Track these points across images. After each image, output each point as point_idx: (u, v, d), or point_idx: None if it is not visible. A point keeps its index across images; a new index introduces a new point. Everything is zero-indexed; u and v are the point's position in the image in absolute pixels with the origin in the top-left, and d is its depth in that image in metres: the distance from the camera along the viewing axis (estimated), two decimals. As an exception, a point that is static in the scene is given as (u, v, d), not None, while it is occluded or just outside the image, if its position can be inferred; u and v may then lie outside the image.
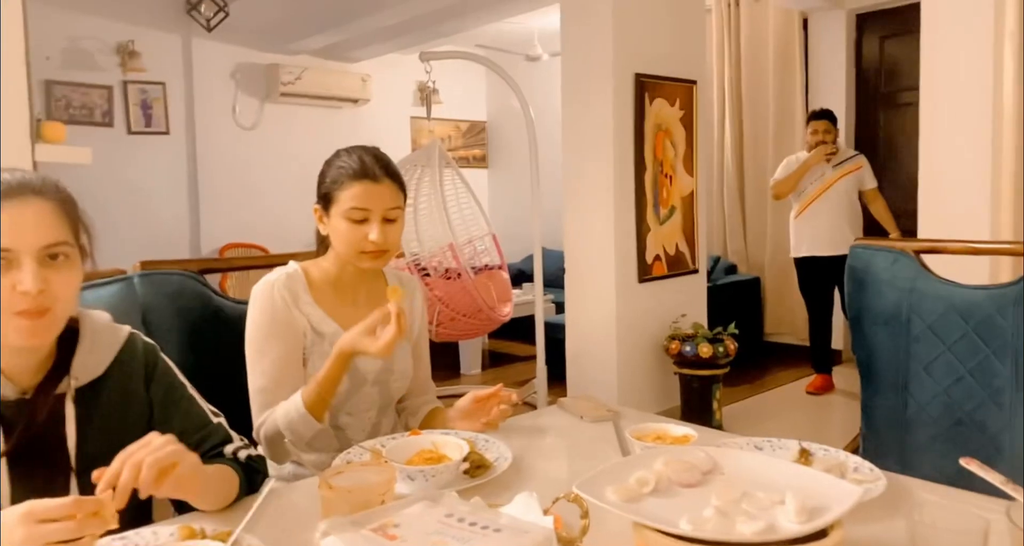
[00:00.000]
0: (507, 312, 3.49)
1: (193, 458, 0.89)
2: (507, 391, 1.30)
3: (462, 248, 3.42)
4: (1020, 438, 1.45)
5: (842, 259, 3.57)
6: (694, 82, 3.67)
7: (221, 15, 4.52)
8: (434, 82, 3.87)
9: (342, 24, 4.76)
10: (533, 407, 3.65)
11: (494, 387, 1.30)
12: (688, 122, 3.66)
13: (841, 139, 4.20)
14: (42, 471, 0.93)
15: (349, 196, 1.29)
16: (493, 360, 5.08)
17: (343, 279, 1.38)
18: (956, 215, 2.64)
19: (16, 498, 0.86)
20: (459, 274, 3.25)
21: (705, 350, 3.28)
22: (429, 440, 1.12)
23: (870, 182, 4.06)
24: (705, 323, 3.71)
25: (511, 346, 5.05)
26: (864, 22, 4.74)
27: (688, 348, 3.32)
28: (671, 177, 3.60)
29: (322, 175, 1.36)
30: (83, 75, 4.40)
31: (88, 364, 0.98)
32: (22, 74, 1.94)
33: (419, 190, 3.48)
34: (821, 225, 3.99)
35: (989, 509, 0.91)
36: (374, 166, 1.31)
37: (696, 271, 3.77)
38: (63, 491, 0.94)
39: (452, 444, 1.09)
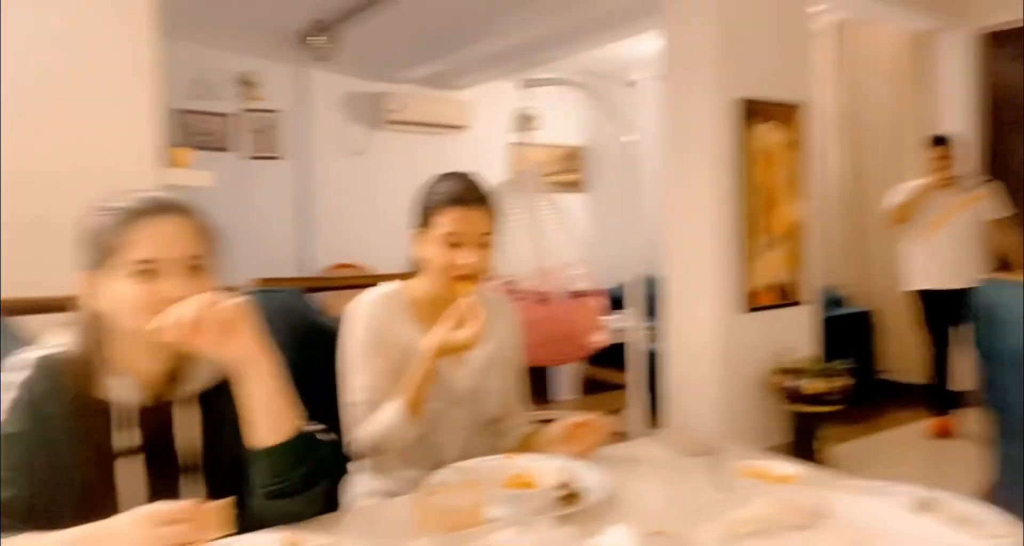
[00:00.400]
0: (598, 339, 3.45)
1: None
2: (603, 420, 1.28)
3: (554, 273, 3.41)
4: None
5: (962, 293, 3.22)
6: (800, 106, 3.54)
7: (332, 45, 4.77)
8: (534, 109, 3.93)
9: (446, 53, 4.91)
10: (626, 437, 3.57)
11: (591, 415, 1.28)
12: (795, 147, 3.53)
13: (967, 167, 3.93)
14: (166, 472, 0.99)
15: (444, 221, 1.33)
16: (589, 387, 5.01)
17: (438, 299, 1.40)
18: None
19: (143, 499, 0.92)
20: (550, 299, 3.24)
21: (816, 385, 3.11)
22: (524, 464, 1.11)
23: (1000, 211, 3.78)
24: (814, 357, 3.53)
25: (609, 374, 4.97)
26: (995, 41, 4.44)
27: (797, 382, 3.15)
28: (778, 204, 3.47)
29: (419, 199, 1.40)
30: (206, 104, 4.73)
31: (207, 370, 1.04)
32: (158, 105, 2.11)
33: (513, 214, 3.51)
34: (940, 256, 3.76)
35: None
36: (469, 192, 1.35)
37: (806, 302, 3.61)
38: (181, 493, 0.99)
39: (548, 470, 1.07)
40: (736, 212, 3.31)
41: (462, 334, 1.25)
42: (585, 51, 5.00)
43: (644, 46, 4.91)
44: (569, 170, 6.60)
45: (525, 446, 1.41)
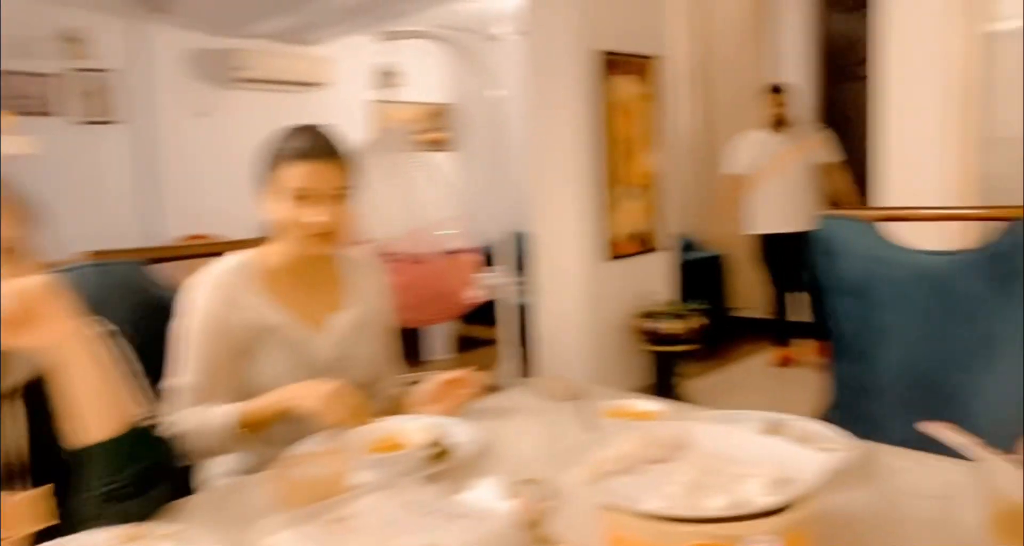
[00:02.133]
0: (474, 296, 3.45)
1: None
2: (474, 374, 1.27)
3: (427, 232, 3.37)
4: (985, 402, 1.46)
5: (796, 236, 3.57)
6: (658, 57, 3.63)
7: (169, -2, 4.38)
8: (396, 64, 3.80)
9: (297, 5, 4.63)
10: (499, 390, 3.63)
11: (461, 370, 1.27)
12: (652, 98, 3.64)
13: (799, 114, 4.16)
14: None
15: (291, 175, 1.24)
16: (463, 344, 5.04)
17: (295, 265, 1.31)
18: (917, 182, 2.66)
19: None
20: (424, 259, 3.20)
21: (674, 326, 3.28)
22: (392, 426, 1.09)
23: (830, 156, 3.99)
24: (674, 300, 3.71)
25: (481, 330, 5.01)
26: (825, -4, 4.74)
27: (657, 325, 3.32)
28: (634, 155, 3.58)
29: (264, 155, 1.30)
30: (24, 63, 4.23)
31: (25, 360, 0.92)
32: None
33: (381, 174, 3.42)
34: (775, 201, 3.95)
35: (957, 472, 0.90)
36: (317, 144, 1.27)
37: (664, 248, 3.77)
38: None
39: (416, 430, 1.06)
40: (596, 164, 3.38)
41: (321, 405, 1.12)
42: (445, 4, 4.87)
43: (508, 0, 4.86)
44: (436, 128, 6.49)
45: (395, 408, 1.38)
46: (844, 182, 4.06)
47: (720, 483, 0.72)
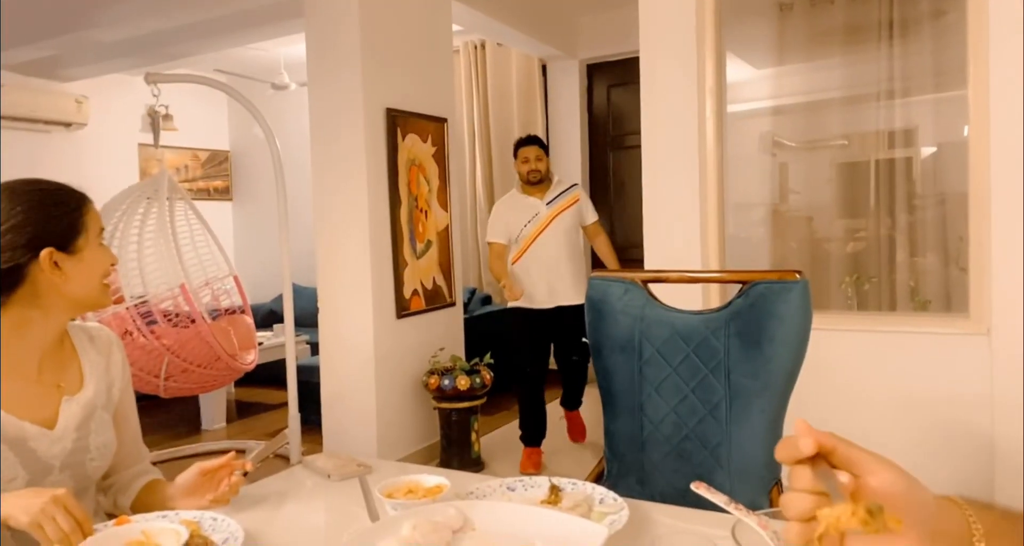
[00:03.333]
0: (251, 360, 3.22)
1: None
2: (239, 461, 1.15)
3: (197, 291, 3.10)
4: (733, 448, 1.62)
5: (558, 312, 3.53)
6: (445, 120, 3.74)
7: None
8: (165, 107, 3.51)
9: (51, 37, 4.17)
10: (287, 459, 3.40)
11: (223, 457, 1.14)
12: (440, 158, 3.72)
13: (557, 171, 3.91)
14: None
15: None
16: (240, 411, 4.67)
17: (28, 341, 1.12)
18: (674, 247, 2.95)
19: None
20: (193, 320, 2.93)
21: (463, 382, 3.30)
22: (139, 529, 0.94)
23: (591, 216, 3.69)
24: (463, 356, 3.75)
25: (262, 393, 4.70)
26: (593, 72, 5.22)
27: (447, 382, 3.31)
28: (426, 212, 3.62)
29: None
30: None
31: None
32: None
33: (144, 225, 3.11)
34: (538, 273, 3.51)
35: (720, 525, 0.97)
36: None
37: (453, 304, 3.81)
38: None
39: (168, 531, 0.92)
40: (388, 220, 3.36)
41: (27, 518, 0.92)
42: (224, 49, 4.65)
43: (293, 49, 4.75)
44: (214, 176, 6.11)
45: (148, 498, 1.21)
46: (603, 246, 3.73)
47: (500, 568, 0.71)
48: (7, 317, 1.09)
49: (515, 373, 3.64)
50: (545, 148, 3.65)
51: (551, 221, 3.55)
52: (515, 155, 3.63)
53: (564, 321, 3.52)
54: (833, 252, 3.75)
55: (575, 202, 3.63)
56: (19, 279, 1.08)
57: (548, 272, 3.53)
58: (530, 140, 3.65)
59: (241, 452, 3.55)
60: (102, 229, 1.18)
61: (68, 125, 4.88)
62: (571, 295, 3.51)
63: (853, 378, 2.75)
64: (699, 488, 0.94)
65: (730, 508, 0.90)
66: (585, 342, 2.53)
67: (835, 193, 3.81)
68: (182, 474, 1.16)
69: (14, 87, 4.55)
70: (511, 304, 3.58)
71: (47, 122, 4.75)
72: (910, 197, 3.54)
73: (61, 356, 1.18)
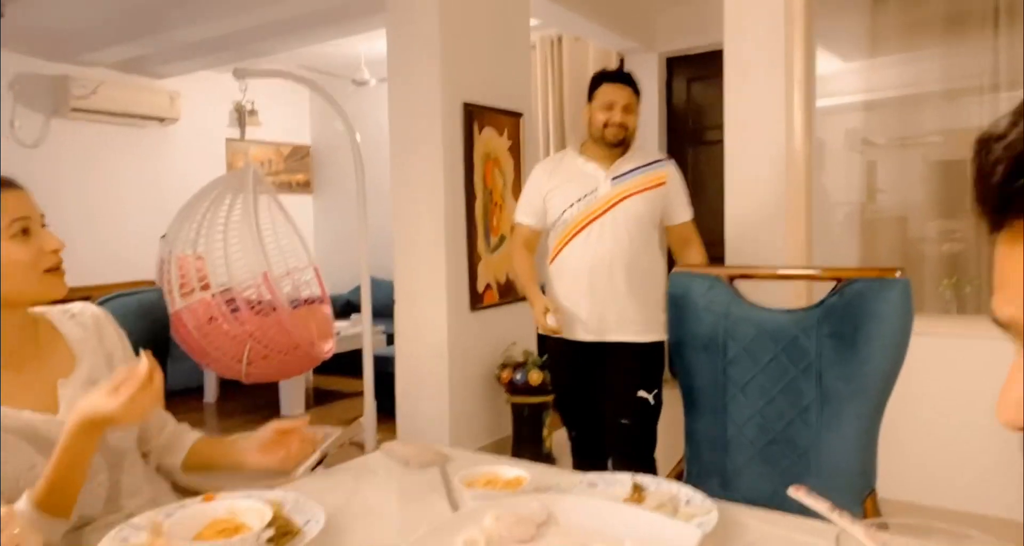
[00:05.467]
0: (328, 349, 3.29)
1: None
2: (311, 431, 1.16)
3: (279, 280, 3.19)
4: (824, 453, 1.54)
5: (603, 351, 2.26)
6: (521, 114, 3.72)
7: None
8: (252, 102, 3.63)
9: (147, 35, 4.36)
10: (361, 447, 3.46)
11: (299, 420, 1.15)
12: (516, 152, 3.71)
13: (639, 140, 2.55)
14: None
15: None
16: (318, 398, 4.79)
17: None
18: (757, 245, 2.85)
19: None
20: (274, 308, 3.01)
21: (535, 377, 3.28)
22: (225, 507, 0.95)
23: (682, 211, 2.43)
24: (535, 351, 3.73)
25: (339, 382, 4.80)
26: (672, 65, 5.10)
27: (519, 376, 3.30)
28: (500, 206, 3.61)
29: None
30: None
31: None
32: None
33: (230, 217, 3.21)
34: (580, 284, 2.32)
35: (816, 533, 0.91)
36: None
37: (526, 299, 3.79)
38: None
39: (253, 511, 0.93)
40: (463, 213, 3.37)
41: (114, 402, 0.94)
42: (309, 45, 4.77)
43: (373, 45, 4.83)
44: (296, 170, 6.29)
45: (203, 455, 1.23)
46: (697, 254, 2.48)
47: (589, 565, 0.68)
48: None
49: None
50: (639, 93, 2.40)
51: (614, 205, 2.28)
52: (590, 97, 2.38)
53: (611, 365, 2.32)
54: (927, 253, 3.54)
55: (659, 185, 2.35)
56: None
57: (595, 285, 2.29)
58: (619, 76, 2.39)
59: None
60: (21, 217, 1.09)
61: (162, 120, 5.10)
62: (626, 326, 2.29)
63: (952, 386, 2.59)
64: (798, 493, 0.88)
65: (833, 516, 0.84)
66: (642, 397, 2.22)
67: (929, 192, 3.61)
68: (259, 429, 1.18)
69: (111, 84, 4.78)
70: (542, 331, 2.42)
71: (143, 117, 4.97)
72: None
73: (40, 342, 1.14)
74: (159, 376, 0.98)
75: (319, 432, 1.20)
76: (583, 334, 2.33)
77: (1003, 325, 0.40)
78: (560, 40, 5.22)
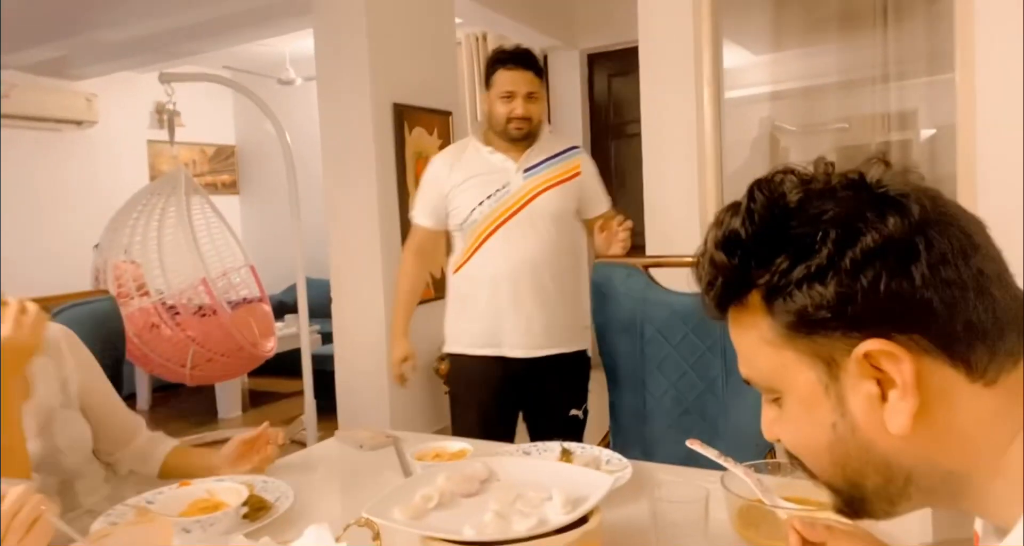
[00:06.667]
0: (270, 347, 3.35)
1: None
2: (273, 430, 1.28)
3: (215, 282, 3.22)
4: (731, 419, 1.74)
5: (532, 367, 1.98)
6: (450, 113, 3.84)
7: None
8: (175, 104, 3.60)
9: (61, 37, 4.27)
10: (303, 445, 3.53)
11: (259, 428, 1.27)
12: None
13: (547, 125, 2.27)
14: None
15: None
16: (255, 400, 4.80)
17: None
18: (674, 233, 3.06)
19: None
20: (214, 310, 3.06)
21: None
22: (203, 488, 1.07)
23: (601, 202, 2.22)
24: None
25: (274, 383, 4.82)
26: (594, 61, 5.30)
27: (457, 367, 3.42)
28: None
29: None
30: None
31: None
32: None
33: (164, 221, 3.23)
34: (498, 295, 2.03)
35: (711, 480, 1.10)
36: None
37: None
38: None
39: (229, 490, 1.05)
40: (397, 211, 3.48)
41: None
42: (230, 46, 4.75)
43: (298, 44, 4.85)
44: (221, 170, 6.22)
45: (180, 466, 1.32)
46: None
47: (525, 508, 0.83)
48: None
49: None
50: (543, 74, 2.14)
51: (529, 201, 2.02)
52: (487, 83, 2.09)
53: (538, 382, 2.06)
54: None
55: (574, 175, 2.11)
56: None
57: (520, 293, 2.00)
58: (518, 58, 2.04)
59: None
60: None
61: (79, 123, 4.98)
62: (556, 335, 2.04)
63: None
64: (694, 444, 1.07)
65: (720, 460, 1.02)
66: (574, 415, 2.00)
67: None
68: (226, 446, 1.29)
69: (25, 87, 4.65)
70: (446, 348, 2.17)
71: (58, 121, 4.85)
72: (909, 179, 3.61)
73: None
74: (32, 306, 1.09)
75: (276, 431, 1.30)
76: (509, 350, 2.01)
77: (745, 381, 0.58)
78: (485, 37, 5.34)
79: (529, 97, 2.01)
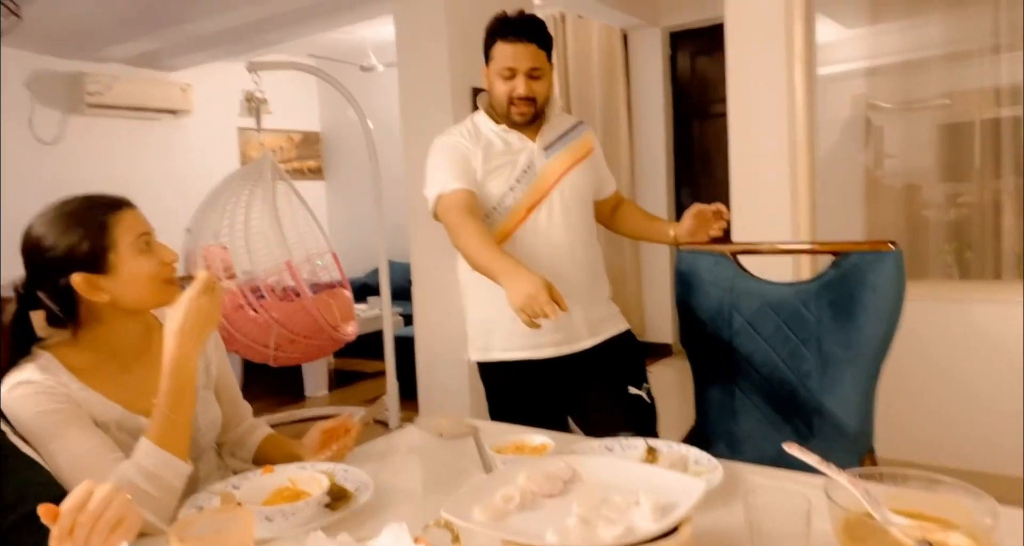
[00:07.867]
0: (351, 331, 3.41)
1: None
2: (351, 419, 1.29)
3: (300, 266, 3.30)
4: (825, 416, 1.64)
5: (573, 363, 1.79)
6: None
7: (12, 19, 4.06)
8: (262, 92, 3.72)
9: (157, 30, 4.45)
10: (385, 425, 3.60)
11: (339, 417, 1.28)
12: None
13: (557, 99, 2.25)
14: None
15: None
16: (340, 380, 4.94)
17: (105, 349, 1.19)
18: (763, 218, 2.92)
19: None
20: (298, 294, 3.13)
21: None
22: (285, 476, 1.08)
23: (612, 181, 2.03)
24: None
25: (359, 363, 4.94)
26: (676, 40, 5.13)
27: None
28: (511, 187, 3.69)
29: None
30: None
31: None
32: None
33: (251, 206, 3.33)
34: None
35: (809, 485, 1.02)
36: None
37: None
38: None
39: (310, 479, 1.06)
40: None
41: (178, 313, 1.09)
42: (315, 34, 4.83)
43: (379, 31, 4.89)
44: (307, 156, 6.38)
45: (270, 454, 1.34)
46: (633, 209, 2.08)
47: (610, 513, 0.79)
48: (86, 332, 1.19)
49: None
50: (548, 47, 1.81)
51: (556, 183, 1.82)
52: (486, 55, 1.86)
53: (587, 374, 1.84)
54: (932, 219, 3.61)
55: (589, 153, 1.92)
56: (72, 304, 1.16)
57: (561, 284, 1.52)
58: (519, 29, 1.77)
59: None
60: (144, 233, 1.22)
61: (175, 112, 5.20)
62: (595, 325, 1.85)
63: (953, 349, 2.68)
64: (791, 448, 0.99)
65: (822, 467, 0.95)
66: (636, 395, 1.72)
67: (936, 157, 3.66)
68: (307, 435, 1.31)
69: (125, 79, 4.88)
70: (473, 356, 1.95)
71: (157, 110, 5.08)
72: (1018, 159, 3.35)
73: (153, 349, 1.22)
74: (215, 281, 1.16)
75: (355, 418, 1.31)
76: (548, 350, 1.79)
77: None
78: (563, 18, 5.25)
79: (532, 74, 1.74)
